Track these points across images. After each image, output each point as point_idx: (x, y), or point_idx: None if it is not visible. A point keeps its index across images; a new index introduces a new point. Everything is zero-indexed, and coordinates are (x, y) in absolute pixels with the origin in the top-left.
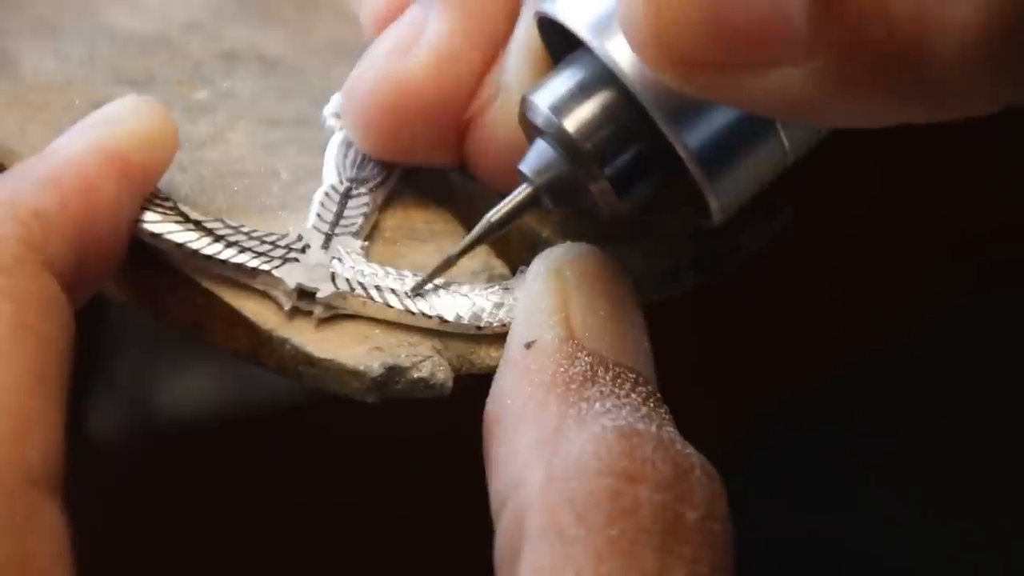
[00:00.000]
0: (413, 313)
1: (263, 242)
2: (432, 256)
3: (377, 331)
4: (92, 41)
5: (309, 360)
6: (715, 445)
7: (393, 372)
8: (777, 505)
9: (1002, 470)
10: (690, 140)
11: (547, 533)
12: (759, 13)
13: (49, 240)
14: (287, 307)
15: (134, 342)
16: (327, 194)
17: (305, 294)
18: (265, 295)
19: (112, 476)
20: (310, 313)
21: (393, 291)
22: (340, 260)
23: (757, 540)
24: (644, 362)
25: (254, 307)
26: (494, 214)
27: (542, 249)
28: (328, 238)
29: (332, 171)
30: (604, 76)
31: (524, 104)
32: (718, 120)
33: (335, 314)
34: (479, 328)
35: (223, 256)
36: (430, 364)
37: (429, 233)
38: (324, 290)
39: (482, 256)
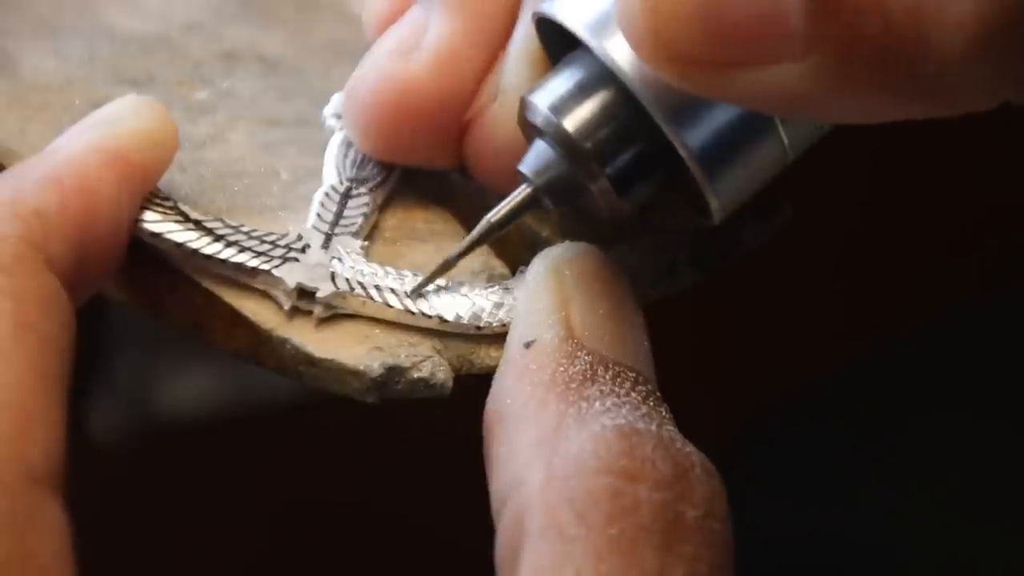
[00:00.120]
0: (413, 313)
1: (263, 242)
2: (432, 256)
3: (377, 331)
4: (92, 41)
5: (309, 360)
6: (715, 442)
7: (393, 372)
8: (777, 501)
9: (1003, 464)
10: (690, 139)
11: (547, 532)
12: (756, 9)
13: (50, 239)
14: (287, 307)
15: (134, 342)
16: (327, 194)
17: (305, 294)
18: (265, 295)
19: (112, 476)
20: (310, 313)
21: (393, 291)
22: (340, 260)
23: (757, 537)
24: (644, 361)
25: (254, 307)
26: (494, 215)
27: (542, 249)
28: (328, 238)
29: (332, 171)
30: (603, 75)
31: (523, 104)
32: (718, 118)
33: (335, 314)
34: (479, 328)
35: (223, 256)
36: (430, 364)
37: (429, 233)
38: (324, 290)
39: (482, 256)
